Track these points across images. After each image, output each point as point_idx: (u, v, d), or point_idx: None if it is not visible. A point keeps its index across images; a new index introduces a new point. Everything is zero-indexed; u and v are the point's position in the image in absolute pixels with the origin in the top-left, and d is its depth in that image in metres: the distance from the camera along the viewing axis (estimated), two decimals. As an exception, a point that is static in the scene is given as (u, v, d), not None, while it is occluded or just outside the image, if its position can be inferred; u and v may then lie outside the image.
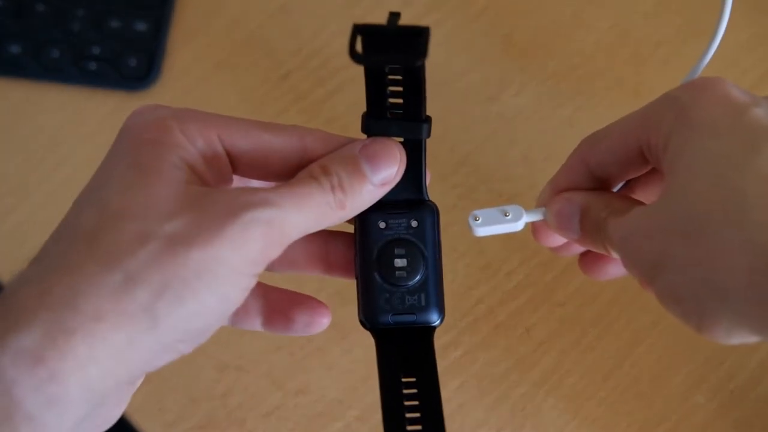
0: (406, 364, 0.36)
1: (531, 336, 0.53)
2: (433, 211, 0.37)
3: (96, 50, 0.59)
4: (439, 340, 0.53)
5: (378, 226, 0.36)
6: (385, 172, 0.34)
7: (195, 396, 0.52)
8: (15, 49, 0.59)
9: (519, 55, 0.59)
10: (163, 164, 0.32)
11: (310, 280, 0.54)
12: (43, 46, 0.59)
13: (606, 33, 0.59)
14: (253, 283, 0.32)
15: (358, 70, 0.61)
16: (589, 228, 0.36)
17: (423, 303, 0.36)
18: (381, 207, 0.35)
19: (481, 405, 0.52)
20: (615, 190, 0.38)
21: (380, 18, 0.60)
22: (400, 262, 0.35)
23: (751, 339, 0.30)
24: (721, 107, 0.32)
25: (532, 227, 0.40)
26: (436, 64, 0.60)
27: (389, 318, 0.36)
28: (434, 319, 0.36)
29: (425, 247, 0.36)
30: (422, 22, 0.59)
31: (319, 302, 0.38)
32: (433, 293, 0.36)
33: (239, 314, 0.38)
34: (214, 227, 0.30)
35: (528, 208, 0.39)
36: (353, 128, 0.57)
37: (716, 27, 0.40)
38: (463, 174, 0.56)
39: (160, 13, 0.60)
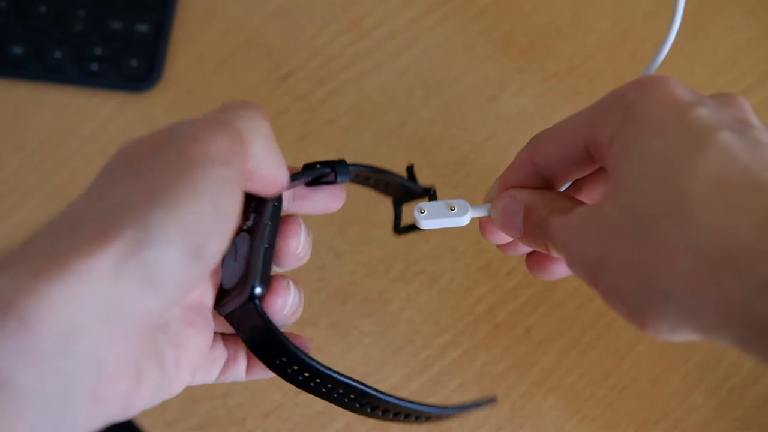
0: None
1: (530, 336, 0.53)
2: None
3: (97, 51, 0.59)
4: (439, 340, 0.53)
5: None
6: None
7: (195, 395, 0.52)
8: (17, 49, 0.59)
9: (519, 55, 0.59)
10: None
11: (309, 281, 0.54)
12: (44, 47, 0.59)
13: (606, 33, 0.60)
14: (239, 198, 0.30)
15: (359, 71, 0.61)
16: (531, 226, 0.36)
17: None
18: None
19: (480, 404, 0.52)
20: (562, 189, 0.38)
21: (380, 14, 0.60)
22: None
23: (693, 337, 0.30)
24: (666, 106, 0.32)
25: (480, 223, 0.40)
26: (435, 65, 0.60)
27: None
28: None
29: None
30: (422, 22, 0.60)
31: (298, 336, 0.38)
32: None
33: (228, 365, 0.37)
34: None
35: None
36: (353, 128, 0.57)
37: (669, 26, 0.40)
38: (463, 174, 0.56)
39: (161, 14, 0.60)
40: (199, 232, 0.28)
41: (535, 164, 0.37)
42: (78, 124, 0.59)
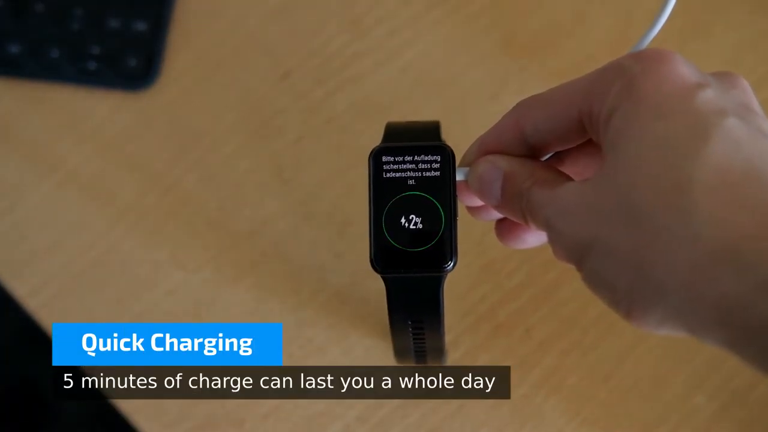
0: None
1: (531, 336, 0.53)
2: None
3: (95, 50, 0.59)
4: (440, 341, 0.53)
5: None
6: None
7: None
8: (14, 48, 0.59)
9: (520, 53, 0.59)
10: None
11: (309, 281, 0.54)
12: (41, 46, 0.59)
13: (608, 31, 0.59)
14: None
15: (358, 70, 0.61)
16: (510, 195, 0.35)
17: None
18: None
19: (481, 405, 0.51)
20: (544, 159, 0.37)
21: (379, 12, 0.60)
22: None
23: (680, 333, 0.29)
24: (670, 85, 0.30)
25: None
26: (436, 64, 0.60)
27: None
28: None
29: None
30: (422, 21, 0.59)
31: None
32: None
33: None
34: None
35: None
36: (353, 128, 0.57)
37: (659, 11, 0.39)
38: (463, 173, 0.56)
39: (159, 12, 0.60)
40: None
41: (520, 131, 0.35)
42: (75, 123, 0.58)
